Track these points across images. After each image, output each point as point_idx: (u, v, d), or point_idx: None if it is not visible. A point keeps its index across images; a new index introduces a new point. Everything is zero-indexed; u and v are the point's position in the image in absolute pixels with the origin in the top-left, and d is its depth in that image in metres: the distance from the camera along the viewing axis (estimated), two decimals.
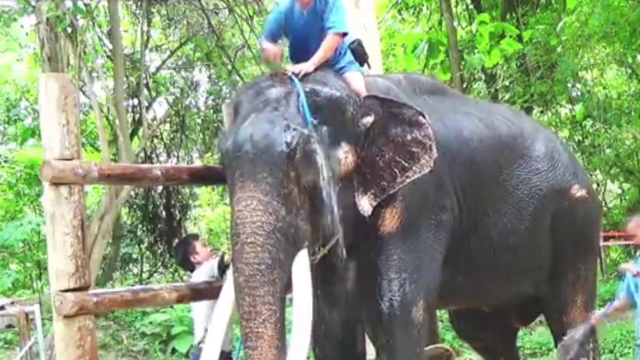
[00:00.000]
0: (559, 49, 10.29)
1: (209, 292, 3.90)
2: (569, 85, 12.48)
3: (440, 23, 12.08)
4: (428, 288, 3.92)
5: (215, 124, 14.00)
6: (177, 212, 14.21)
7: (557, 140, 5.17)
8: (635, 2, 9.42)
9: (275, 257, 3.25)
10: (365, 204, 3.65)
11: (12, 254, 11.25)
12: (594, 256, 5.13)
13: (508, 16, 11.73)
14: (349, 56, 3.88)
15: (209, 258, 4.66)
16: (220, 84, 14.65)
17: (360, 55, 3.95)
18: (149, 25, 12.86)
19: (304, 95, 3.48)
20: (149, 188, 13.15)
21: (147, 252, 14.13)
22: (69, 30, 9.36)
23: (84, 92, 11.33)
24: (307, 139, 3.35)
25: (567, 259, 4.72)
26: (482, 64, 10.10)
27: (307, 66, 3.63)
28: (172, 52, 14.08)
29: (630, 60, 11.40)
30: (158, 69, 13.99)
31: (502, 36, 9.92)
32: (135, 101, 12.74)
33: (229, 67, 13.29)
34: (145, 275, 13.65)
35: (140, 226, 14.05)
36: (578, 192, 4.72)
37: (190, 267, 4.70)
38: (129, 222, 14.10)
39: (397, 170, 3.67)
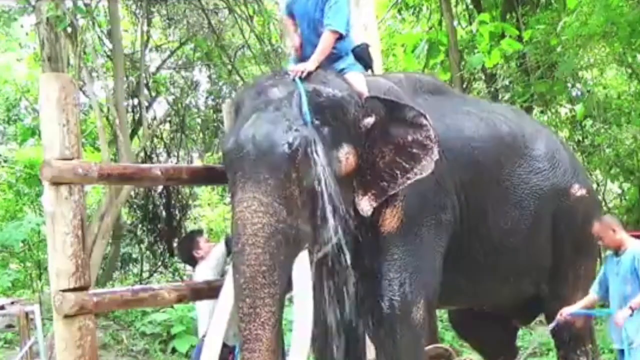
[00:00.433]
0: (559, 49, 10.27)
1: (208, 292, 3.91)
2: (569, 85, 12.45)
3: (440, 23, 12.05)
4: (428, 288, 3.93)
5: (215, 124, 13.99)
6: (177, 212, 14.18)
7: (557, 139, 5.18)
8: (635, 1, 9.41)
9: (276, 258, 3.25)
10: (365, 205, 3.65)
11: (12, 253, 11.23)
12: (594, 256, 5.13)
13: (508, 16, 11.69)
14: (351, 58, 3.88)
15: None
16: (220, 83, 14.61)
17: (365, 60, 3.95)
18: (149, 25, 12.84)
19: (305, 95, 3.47)
20: (149, 188, 13.12)
21: (147, 252, 14.11)
22: (69, 30, 9.34)
23: (84, 92, 11.31)
24: (308, 140, 3.35)
25: (567, 258, 4.72)
26: (482, 64, 10.09)
27: (308, 65, 3.63)
28: (172, 52, 14.05)
29: (630, 60, 11.37)
30: (158, 68, 13.96)
31: (502, 36, 9.91)
32: (135, 101, 12.71)
33: (229, 67, 13.27)
34: (145, 275, 13.63)
35: (140, 226, 14.02)
36: (578, 191, 4.73)
37: (194, 262, 4.72)
38: (129, 222, 14.06)
39: (397, 172, 3.67)
